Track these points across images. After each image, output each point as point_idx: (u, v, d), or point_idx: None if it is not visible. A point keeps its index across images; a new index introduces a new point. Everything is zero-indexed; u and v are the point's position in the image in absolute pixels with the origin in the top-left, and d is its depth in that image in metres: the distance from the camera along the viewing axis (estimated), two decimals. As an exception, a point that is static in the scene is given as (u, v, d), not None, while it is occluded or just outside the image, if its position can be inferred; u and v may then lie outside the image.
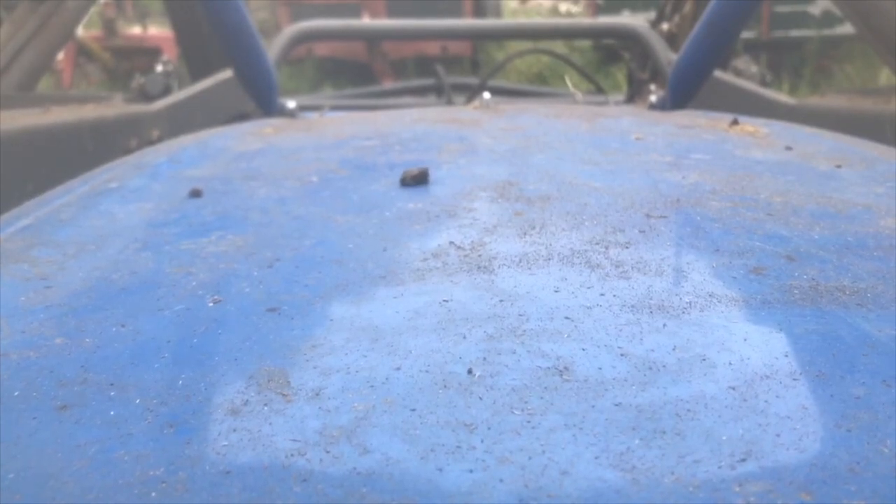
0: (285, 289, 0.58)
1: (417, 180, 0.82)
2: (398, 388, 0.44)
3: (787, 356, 0.47)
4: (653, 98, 1.81)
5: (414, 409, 0.42)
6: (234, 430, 0.41)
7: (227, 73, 2.07)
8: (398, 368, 0.46)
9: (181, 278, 0.60)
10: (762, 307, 0.53)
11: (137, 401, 0.44)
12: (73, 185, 0.92)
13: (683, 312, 0.52)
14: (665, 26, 2.61)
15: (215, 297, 0.57)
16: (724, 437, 0.40)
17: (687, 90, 1.54)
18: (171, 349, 0.50)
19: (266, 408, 0.43)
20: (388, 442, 0.40)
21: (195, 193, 0.81)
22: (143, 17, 7.92)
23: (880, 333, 0.50)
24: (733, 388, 0.44)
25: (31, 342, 0.51)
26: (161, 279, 0.60)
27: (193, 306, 0.56)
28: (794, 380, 0.45)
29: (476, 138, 1.04)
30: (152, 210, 0.78)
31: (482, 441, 0.40)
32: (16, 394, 0.45)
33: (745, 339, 0.49)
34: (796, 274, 0.58)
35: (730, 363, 0.46)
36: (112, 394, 0.45)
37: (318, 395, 0.44)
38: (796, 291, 0.56)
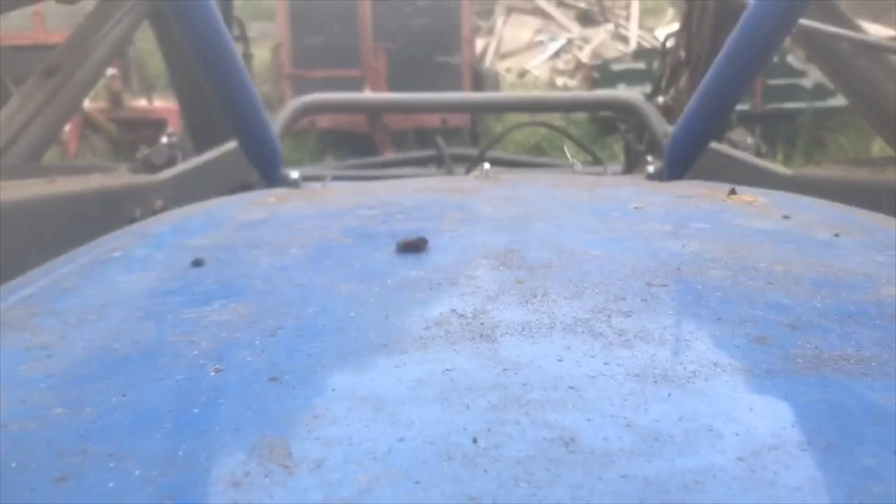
0: (287, 357, 0.58)
1: (410, 249, 0.82)
2: (401, 460, 0.44)
3: (794, 426, 0.47)
4: (650, 168, 1.84)
5: (417, 482, 0.42)
6: (235, 503, 0.41)
7: (231, 145, 2.10)
8: (401, 439, 0.46)
9: (183, 347, 0.60)
10: (767, 376, 0.53)
11: (137, 472, 0.44)
12: (77, 254, 0.92)
13: (688, 382, 0.52)
14: (661, 99, 2.67)
15: (217, 366, 0.57)
16: None
17: (684, 161, 1.56)
18: (171, 419, 0.49)
19: (267, 479, 0.42)
20: None
21: (198, 262, 0.81)
22: (149, 90, 8.09)
23: (887, 402, 0.49)
24: (741, 459, 0.43)
25: (31, 412, 0.51)
26: (162, 348, 0.60)
27: (195, 375, 0.55)
28: (802, 450, 0.44)
29: (477, 207, 1.05)
30: (155, 279, 0.78)
31: None
32: (13, 465, 0.45)
33: (751, 409, 0.49)
34: (799, 343, 0.58)
35: (737, 433, 0.46)
36: (111, 464, 0.44)
37: (320, 466, 0.43)
38: (800, 360, 0.55)
